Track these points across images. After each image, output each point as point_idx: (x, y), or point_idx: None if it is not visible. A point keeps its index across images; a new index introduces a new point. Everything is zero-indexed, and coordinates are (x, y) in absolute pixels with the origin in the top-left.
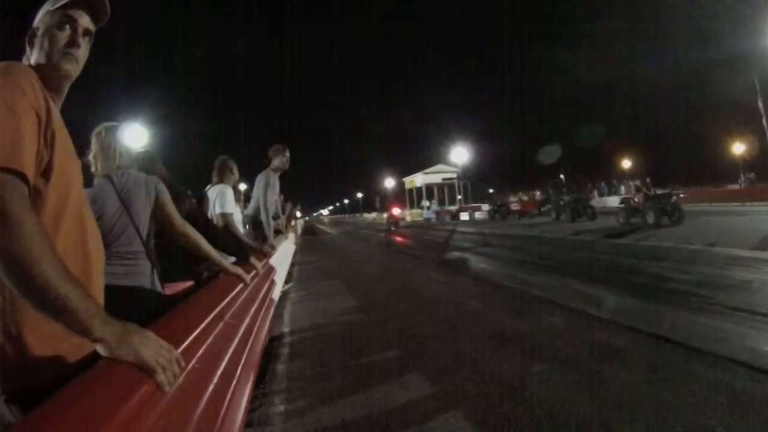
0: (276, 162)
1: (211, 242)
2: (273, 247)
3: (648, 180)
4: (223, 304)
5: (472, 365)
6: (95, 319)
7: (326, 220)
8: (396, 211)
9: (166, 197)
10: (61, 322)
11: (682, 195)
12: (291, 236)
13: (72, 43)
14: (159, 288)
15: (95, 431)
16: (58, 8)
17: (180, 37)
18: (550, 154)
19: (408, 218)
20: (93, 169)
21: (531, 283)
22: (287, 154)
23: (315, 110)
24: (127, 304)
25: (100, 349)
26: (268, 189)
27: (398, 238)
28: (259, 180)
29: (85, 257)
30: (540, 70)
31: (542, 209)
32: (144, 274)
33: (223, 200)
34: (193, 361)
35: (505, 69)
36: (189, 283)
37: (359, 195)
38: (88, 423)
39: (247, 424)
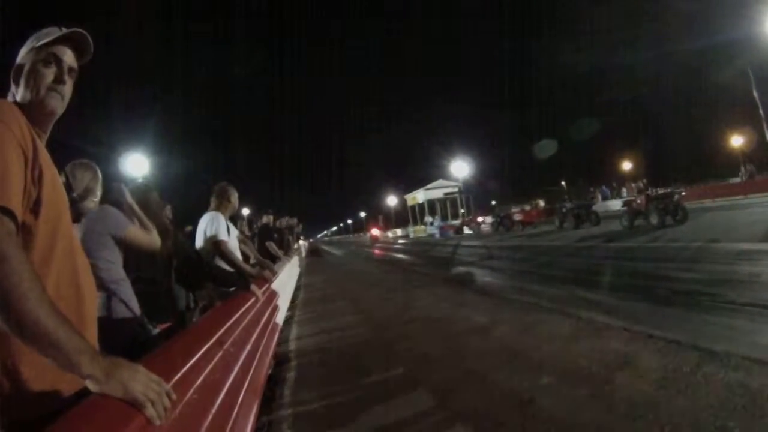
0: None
1: (207, 276)
2: (274, 273)
3: (645, 181)
4: (221, 332)
5: (480, 381)
6: (83, 355)
7: (330, 240)
8: (375, 231)
9: (123, 232)
10: (50, 357)
11: (683, 193)
12: (295, 259)
13: (58, 80)
14: (118, 315)
15: None
16: (43, 46)
17: (177, 57)
18: (545, 148)
19: (412, 235)
20: None
21: (538, 294)
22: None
23: (314, 133)
24: None
25: (90, 385)
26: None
27: (402, 256)
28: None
29: (78, 289)
30: (532, 72)
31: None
32: (97, 306)
33: (216, 228)
34: (191, 392)
35: (496, 76)
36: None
37: (362, 214)
38: None
39: None
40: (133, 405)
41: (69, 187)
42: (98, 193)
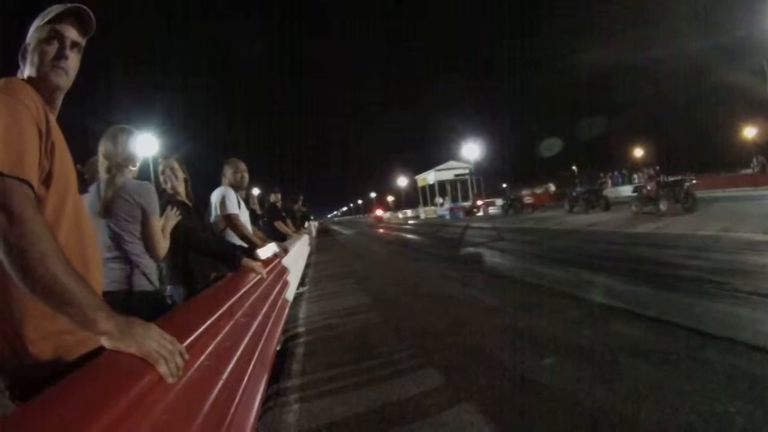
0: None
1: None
2: (285, 250)
3: (657, 168)
4: (232, 301)
5: (485, 359)
6: (100, 312)
7: (340, 221)
8: (378, 212)
9: (153, 215)
10: (67, 314)
11: (694, 182)
12: (305, 238)
13: (60, 56)
14: (139, 288)
15: (95, 422)
16: (46, 23)
17: (185, 41)
18: (550, 147)
19: (422, 216)
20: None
21: (545, 276)
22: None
23: (324, 114)
24: None
25: (104, 341)
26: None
27: (412, 236)
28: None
29: (84, 258)
30: (543, 61)
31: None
32: (119, 278)
33: (226, 202)
34: (202, 358)
35: (509, 63)
36: None
37: (372, 195)
38: (87, 413)
39: (261, 419)
40: (146, 361)
41: (76, 160)
42: (137, 160)
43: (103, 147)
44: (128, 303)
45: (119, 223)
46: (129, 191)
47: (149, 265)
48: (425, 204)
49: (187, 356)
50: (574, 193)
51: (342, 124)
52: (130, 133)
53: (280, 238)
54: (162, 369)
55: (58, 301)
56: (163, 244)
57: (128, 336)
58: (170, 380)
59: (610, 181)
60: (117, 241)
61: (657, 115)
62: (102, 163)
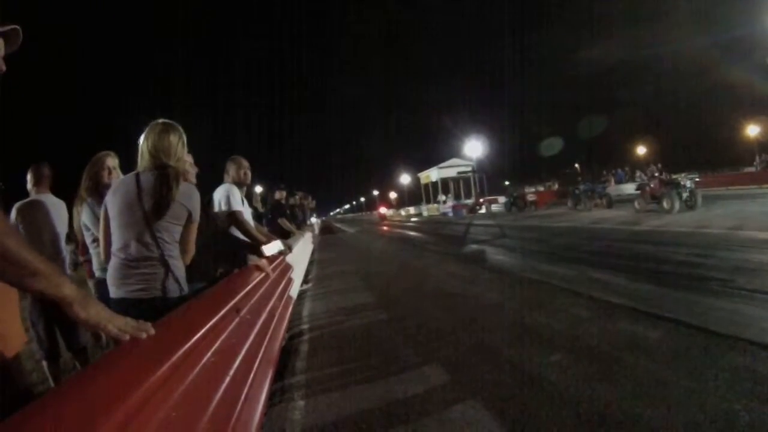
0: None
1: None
2: (290, 247)
3: (659, 165)
4: (237, 299)
5: (491, 356)
6: (62, 277)
7: (343, 218)
8: (382, 210)
9: (194, 220)
10: (32, 284)
11: (697, 180)
12: (308, 235)
13: None
14: (172, 294)
15: (105, 419)
16: None
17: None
18: (551, 146)
19: (425, 213)
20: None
21: (549, 274)
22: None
23: (328, 111)
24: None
25: (66, 306)
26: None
27: (415, 234)
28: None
29: None
30: (546, 59)
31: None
32: (153, 284)
33: (230, 199)
34: (209, 354)
35: (513, 60)
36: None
37: (375, 192)
38: (97, 411)
39: (267, 415)
40: (153, 360)
41: (158, 152)
42: (186, 157)
43: (150, 142)
44: (160, 311)
45: (164, 224)
46: (180, 193)
47: (182, 269)
48: (428, 201)
49: (152, 331)
50: (577, 191)
51: (344, 121)
52: (182, 135)
53: (284, 235)
54: (111, 330)
55: (23, 273)
56: (191, 251)
57: (86, 305)
58: (125, 337)
59: (613, 179)
60: (156, 241)
61: (659, 113)
62: (145, 156)
